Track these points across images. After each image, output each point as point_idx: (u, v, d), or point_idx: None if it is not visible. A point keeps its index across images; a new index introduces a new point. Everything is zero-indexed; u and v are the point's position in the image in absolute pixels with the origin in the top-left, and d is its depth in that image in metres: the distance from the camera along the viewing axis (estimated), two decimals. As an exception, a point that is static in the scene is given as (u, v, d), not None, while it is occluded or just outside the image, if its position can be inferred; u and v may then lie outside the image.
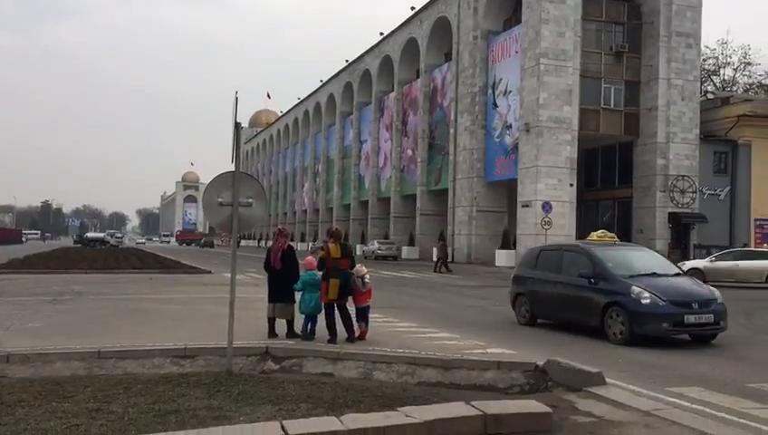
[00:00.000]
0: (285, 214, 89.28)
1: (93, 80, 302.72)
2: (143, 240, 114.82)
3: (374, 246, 48.44)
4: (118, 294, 16.97)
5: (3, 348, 8.44)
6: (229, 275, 8.08)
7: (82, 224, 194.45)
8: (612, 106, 38.09)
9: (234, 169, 7.66)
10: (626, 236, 37.02)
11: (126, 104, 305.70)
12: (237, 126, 7.57)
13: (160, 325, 11.15)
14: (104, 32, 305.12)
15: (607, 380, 7.22)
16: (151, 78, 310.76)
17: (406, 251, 48.92)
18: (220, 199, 7.56)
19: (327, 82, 72.32)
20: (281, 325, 9.82)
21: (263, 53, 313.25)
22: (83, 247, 63.42)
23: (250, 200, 7.78)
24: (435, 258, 34.17)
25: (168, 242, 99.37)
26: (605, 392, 6.88)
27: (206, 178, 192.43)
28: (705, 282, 22.94)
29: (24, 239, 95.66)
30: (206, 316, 12.38)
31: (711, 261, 26.35)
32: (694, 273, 24.39)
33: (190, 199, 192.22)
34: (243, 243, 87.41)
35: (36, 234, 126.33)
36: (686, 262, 27.08)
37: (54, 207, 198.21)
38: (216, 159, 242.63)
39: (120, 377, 7.41)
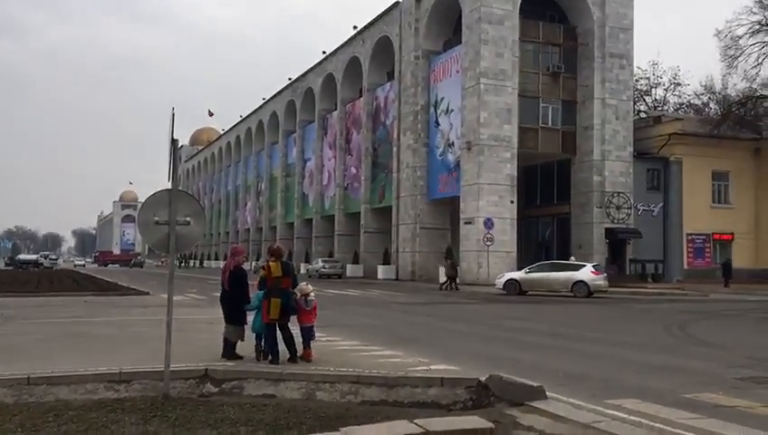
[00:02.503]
0: (228, 233, 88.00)
1: (25, 97, 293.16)
2: (83, 262, 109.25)
3: (318, 264, 48.18)
4: (51, 317, 16.33)
5: None
6: (165, 295, 7.87)
7: (15, 245, 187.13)
8: (550, 125, 39.08)
9: (171, 188, 7.47)
10: (565, 251, 37.90)
11: (63, 123, 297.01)
12: (174, 142, 7.42)
13: (95, 349, 10.77)
14: (37, 49, 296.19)
15: (547, 393, 7.30)
16: (87, 95, 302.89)
17: (350, 269, 48.79)
18: (156, 218, 7.37)
19: (270, 99, 71.97)
20: (243, 347, 9.63)
21: (204, 71, 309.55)
22: (16, 270, 61.05)
23: (188, 219, 7.61)
24: (443, 277, 32.68)
25: (84, 265, 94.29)
26: (546, 406, 6.95)
27: (144, 198, 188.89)
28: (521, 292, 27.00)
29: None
30: (143, 339, 12.00)
31: (526, 272, 28.70)
32: (511, 283, 27.82)
33: (128, 219, 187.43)
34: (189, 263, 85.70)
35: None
36: (505, 273, 29.68)
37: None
38: (155, 178, 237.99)
39: (50, 404, 7.09)
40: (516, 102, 37.08)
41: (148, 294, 25.81)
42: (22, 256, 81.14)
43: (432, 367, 9.41)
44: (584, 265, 28.26)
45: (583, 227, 38.45)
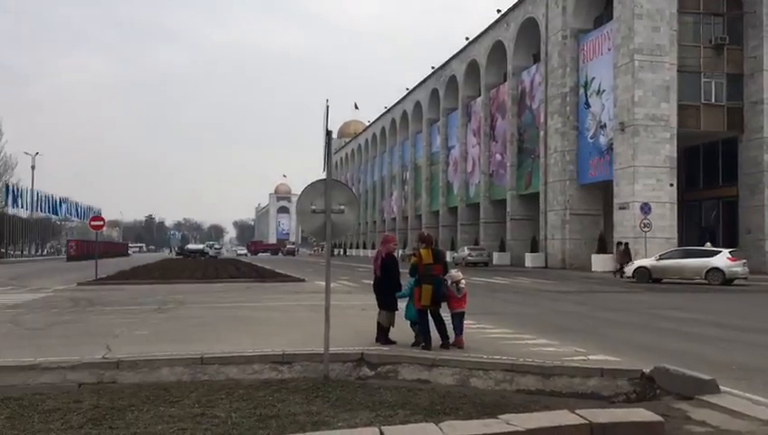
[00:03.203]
0: (375, 222, 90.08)
1: (189, 100, 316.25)
2: (244, 251, 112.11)
3: (465, 252, 48.04)
4: (217, 302, 17.52)
5: (113, 355, 8.83)
6: (322, 283, 8.15)
7: (183, 236, 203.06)
8: (713, 101, 36.30)
9: (326, 177, 7.71)
10: (732, 236, 35.14)
11: (222, 122, 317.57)
12: (329, 134, 7.64)
13: (259, 332, 11.41)
14: (196, 54, 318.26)
15: (721, 387, 6.78)
16: (242, 94, 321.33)
17: (497, 257, 48.25)
18: (313, 207, 7.63)
19: (413, 90, 72.58)
20: (396, 333, 9.83)
21: (348, 64, 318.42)
22: (184, 259, 66.24)
23: (342, 207, 7.82)
24: (616, 264, 31.35)
25: (246, 254, 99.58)
26: (719, 401, 6.45)
27: (297, 190, 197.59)
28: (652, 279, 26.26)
29: (129, 252, 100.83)
30: (301, 323, 12.57)
31: (656, 259, 27.36)
32: (641, 271, 27.04)
33: (283, 210, 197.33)
34: (336, 251, 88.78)
35: (142, 246, 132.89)
36: (634, 261, 28.85)
37: (157, 220, 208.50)
38: (306, 171, 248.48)
39: (222, 382, 7.59)
40: (675, 79, 34.76)
41: (303, 281, 27.01)
42: (190, 246, 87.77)
43: (590, 357, 9.06)
44: (720, 252, 26.41)
45: (753, 210, 35.41)
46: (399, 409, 6.30)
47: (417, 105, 71.11)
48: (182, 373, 8.18)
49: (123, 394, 6.92)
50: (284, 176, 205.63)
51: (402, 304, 9.93)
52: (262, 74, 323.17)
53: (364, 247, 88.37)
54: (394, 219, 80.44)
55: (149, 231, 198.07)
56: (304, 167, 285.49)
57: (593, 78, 39.27)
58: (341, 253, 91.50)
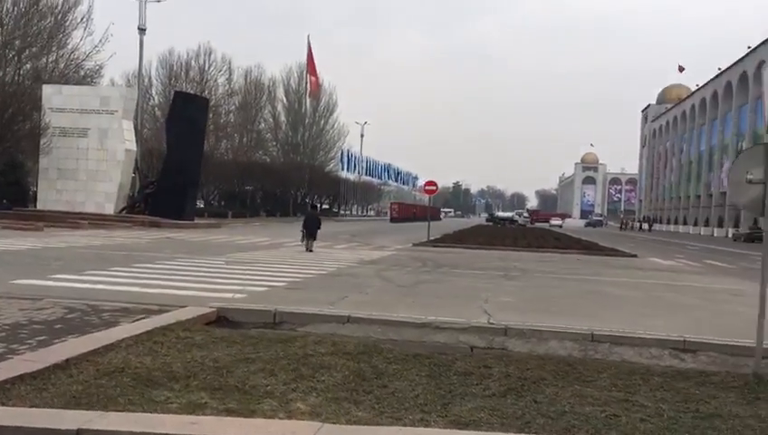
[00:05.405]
0: (698, 196, 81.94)
1: (501, 69, 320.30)
2: (560, 222, 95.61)
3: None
4: (559, 273, 16.98)
5: (496, 320, 8.74)
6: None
7: (487, 204, 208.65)
8: None
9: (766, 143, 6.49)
10: None
11: (528, 90, 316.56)
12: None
13: (630, 311, 10.56)
14: (510, 24, 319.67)
15: None
16: (551, 62, 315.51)
17: None
18: (750, 176, 6.49)
19: (757, 47, 63.59)
20: None
21: (668, 30, 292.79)
22: (494, 226, 67.44)
23: (782, 178, 6.52)
24: None
25: (560, 226, 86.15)
26: None
27: (605, 160, 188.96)
28: None
29: (441, 217, 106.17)
30: (671, 305, 11.42)
31: None
32: None
33: (589, 181, 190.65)
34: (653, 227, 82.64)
35: (450, 211, 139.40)
36: None
37: (464, 187, 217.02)
38: (616, 141, 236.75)
39: (631, 366, 6.93)
40: None
41: (635, 256, 25.25)
42: (500, 214, 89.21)
43: None
44: None
45: None
46: None
47: (762, 66, 62.18)
48: (572, 348, 7.74)
49: (528, 365, 6.64)
50: (592, 145, 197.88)
51: None
52: (571, 40, 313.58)
53: (684, 223, 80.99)
54: (723, 194, 72.20)
55: (456, 197, 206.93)
56: (613, 136, 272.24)
57: None
58: (646, 228, 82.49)
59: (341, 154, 77.72)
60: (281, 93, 72.95)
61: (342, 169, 78.15)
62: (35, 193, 38.40)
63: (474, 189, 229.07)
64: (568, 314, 9.88)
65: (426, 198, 41.31)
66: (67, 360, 5.52)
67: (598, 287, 13.97)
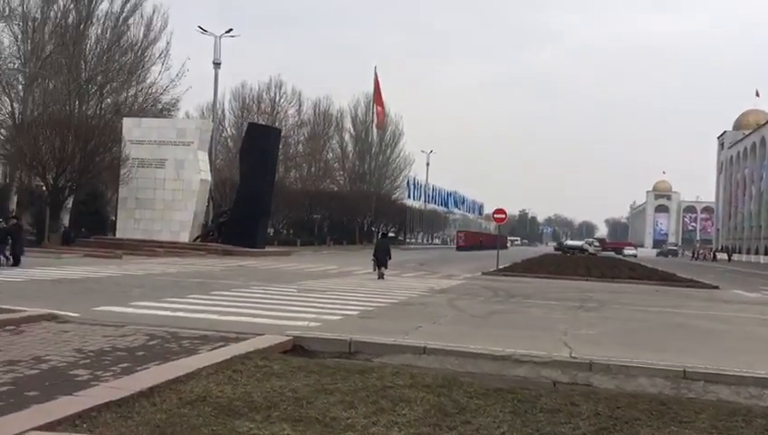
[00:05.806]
0: (782, 225, 78.24)
1: (561, 95, 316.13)
2: (634, 251, 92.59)
3: None
4: (638, 304, 16.32)
5: (578, 354, 8.39)
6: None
7: (554, 232, 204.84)
8: None
9: None
10: None
11: (591, 116, 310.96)
12: None
13: (720, 347, 10.01)
14: (570, 49, 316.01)
15: None
16: (613, 88, 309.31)
17: None
18: None
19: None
20: None
21: (739, 51, 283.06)
22: (563, 254, 65.89)
23: None
24: None
25: (635, 255, 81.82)
26: None
27: (678, 187, 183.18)
28: None
29: (508, 245, 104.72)
30: (765, 341, 10.76)
31: None
32: None
33: (661, 209, 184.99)
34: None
35: (517, 240, 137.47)
36: None
37: (530, 215, 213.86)
38: (690, 168, 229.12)
39: (729, 406, 6.49)
40: None
41: (717, 287, 24.12)
42: (569, 242, 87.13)
43: None
44: None
45: None
46: None
47: None
48: (663, 386, 7.33)
49: (619, 403, 6.29)
50: (664, 172, 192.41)
51: None
52: (641, 67, 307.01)
53: (765, 253, 77.25)
54: (808, 223, 68.72)
55: (523, 225, 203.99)
56: (687, 163, 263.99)
57: None
58: (724, 258, 79.14)
59: (407, 182, 77.94)
60: (348, 123, 74.14)
61: (408, 196, 78.30)
62: (114, 222, 39.82)
63: (540, 217, 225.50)
64: (653, 348, 9.42)
65: (493, 225, 40.76)
66: (151, 388, 5.55)
67: (682, 320, 13.33)
